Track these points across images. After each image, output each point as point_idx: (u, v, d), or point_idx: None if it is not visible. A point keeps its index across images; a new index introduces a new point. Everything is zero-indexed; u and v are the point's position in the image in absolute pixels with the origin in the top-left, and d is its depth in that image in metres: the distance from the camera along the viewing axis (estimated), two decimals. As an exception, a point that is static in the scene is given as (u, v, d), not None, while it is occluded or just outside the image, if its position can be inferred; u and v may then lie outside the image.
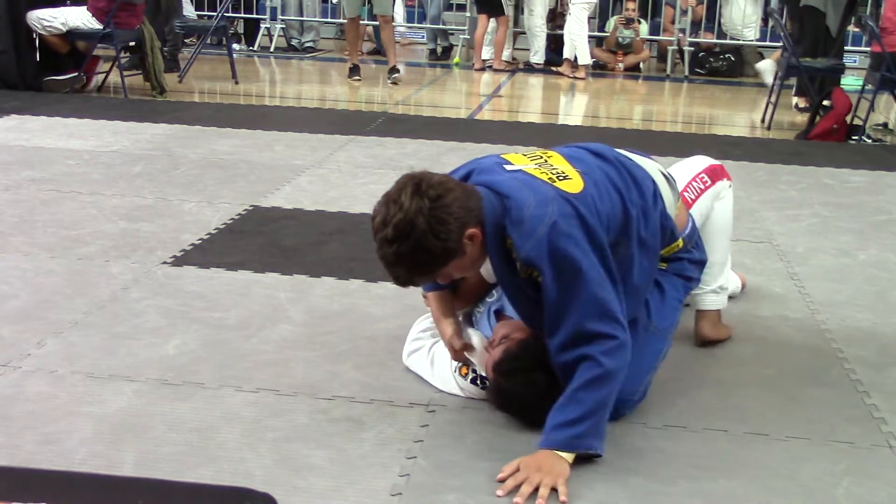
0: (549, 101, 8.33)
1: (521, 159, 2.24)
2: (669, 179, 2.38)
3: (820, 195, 4.64)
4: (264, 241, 3.60)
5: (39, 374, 2.42)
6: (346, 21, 8.70)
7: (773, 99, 6.89)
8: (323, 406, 2.31)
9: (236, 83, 7.91)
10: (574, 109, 7.97)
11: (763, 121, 6.98)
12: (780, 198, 4.56)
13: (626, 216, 2.16)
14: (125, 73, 6.99)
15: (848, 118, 6.33)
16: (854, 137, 6.26)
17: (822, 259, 3.61)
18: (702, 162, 2.72)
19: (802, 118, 7.09)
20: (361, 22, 9.17)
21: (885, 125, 6.95)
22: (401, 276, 2.08)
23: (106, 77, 7.31)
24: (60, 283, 3.06)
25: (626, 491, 1.99)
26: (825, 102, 6.41)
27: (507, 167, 2.19)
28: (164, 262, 3.30)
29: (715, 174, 2.69)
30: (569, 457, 2.02)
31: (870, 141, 6.27)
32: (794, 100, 7.65)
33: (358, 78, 8.34)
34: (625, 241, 2.16)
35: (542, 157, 2.24)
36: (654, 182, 2.28)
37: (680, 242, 2.35)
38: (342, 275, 3.22)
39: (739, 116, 7.52)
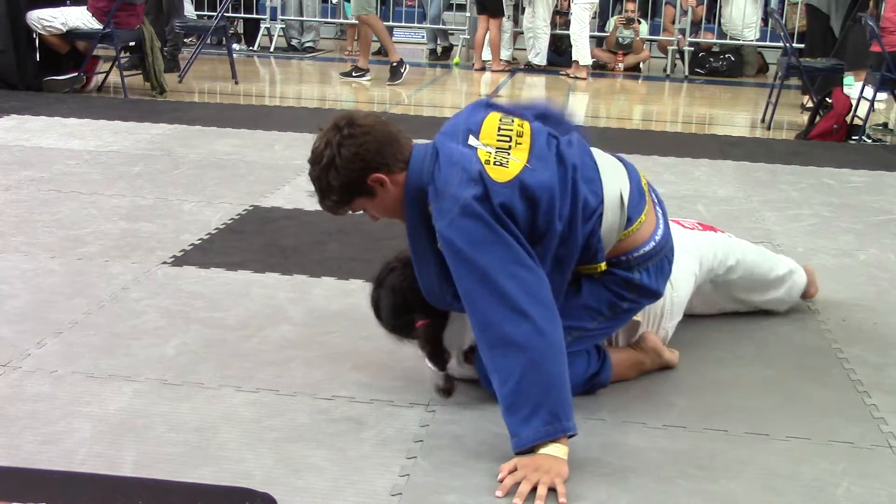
0: (549, 101, 8.32)
1: (490, 135, 2.22)
2: (625, 204, 2.28)
3: (820, 195, 4.64)
4: (264, 241, 3.60)
5: (39, 374, 2.42)
6: (346, 21, 8.71)
7: (773, 99, 6.90)
8: (323, 406, 2.31)
9: (236, 83, 7.91)
10: (574, 109, 7.97)
11: (763, 121, 6.98)
12: (780, 198, 4.56)
13: (547, 225, 2.14)
14: (125, 73, 6.99)
15: (848, 118, 6.34)
16: (854, 137, 6.26)
17: (822, 259, 3.61)
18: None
19: (802, 118, 7.09)
20: (352, 21, 9.16)
21: (885, 125, 6.96)
22: (317, 198, 2.25)
23: (106, 77, 7.31)
24: (60, 283, 3.06)
25: (626, 491, 1.99)
26: (828, 99, 6.41)
27: (470, 140, 2.20)
28: (164, 262, 3.30)
29: (705, 227, 2.87)
30: (563, 452, 2.01)
31: (870, 141, 6.27)
32: (805, 98, 7.60)
33: (359, 75, 8.37)
34: (539, 251, 2.13)
35: (509, 142, 2.21)
36: (601, 202, 2.23)
37: (601, 266, 2.26)
38: (342, 275, 3.22)
39: (739, 116, 7.52)
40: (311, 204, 2.91)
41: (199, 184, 4.38)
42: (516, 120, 2.29)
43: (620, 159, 2.41)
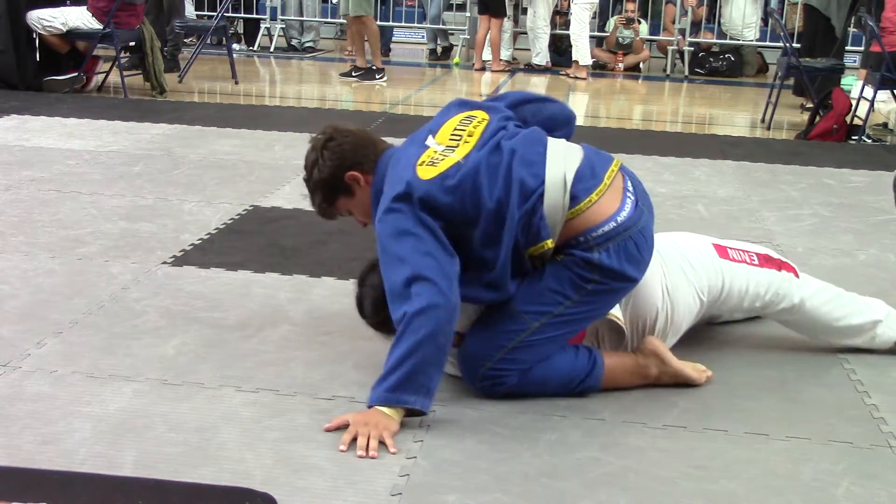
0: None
1: (444, 135, 2.39)
2: (568, 185, 2.29)
3: (820, 195, 4.64)
4: (264, 241, 3.60)
5: (39, 374, 2.42)
6: (346, 21, 8.73)
7: (773, 99, 6.90)
8: (323, 406, 2.32)
9: (236, 83, 7.91)
10: (574, 109, 7.96)
11: (763, 121, 6.98)
12: (780, 198, 4.57)
13: (476, 207, 2.27)
14: (125, 73, 6.99)
15: (848, 118, 6.34)
16: (854, 137, 6.26)
17: (822, 259, 3.61)
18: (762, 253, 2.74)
19: (802, 118, 7.09)
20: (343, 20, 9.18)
21: (885, 125, 6.96)
22: (309, 200, 2.52)
23: (106, 77, 7.31)
24: (60, 283, 3.06)
25: (626, 491, 2.00)
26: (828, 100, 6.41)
27: (427, 140, 2.40)
28: (164, 262, 3.30)
29: (769, 262, 2.68)
30: (395, 413, 2.18)
31: (870, 141, 6.27)
32: (804, 98, 7.58)
33: (359, 75, 8.38)
34: (473, 232, 2.28)
35: (458, 141, 2.37)
36: (542, 183, 2.28)
37: (548, 243, 2.29)
38: (342, 275, 3.22)
39: (739, 116, 7.53)
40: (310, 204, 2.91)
41: (199, 184, 4.38)
42: (477, 118, 2.43)
43: (584, 147, 2.44)
